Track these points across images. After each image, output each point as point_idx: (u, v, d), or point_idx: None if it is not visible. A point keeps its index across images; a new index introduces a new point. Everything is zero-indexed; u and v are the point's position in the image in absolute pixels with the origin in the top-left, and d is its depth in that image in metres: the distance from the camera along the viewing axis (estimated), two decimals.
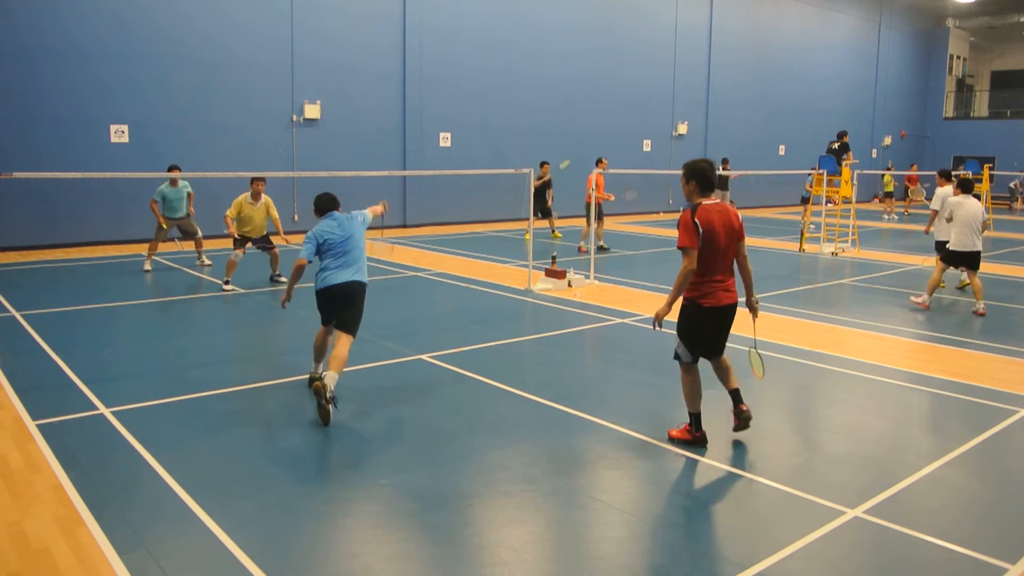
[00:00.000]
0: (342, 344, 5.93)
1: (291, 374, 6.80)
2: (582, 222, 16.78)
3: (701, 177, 5.10)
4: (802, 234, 16.08)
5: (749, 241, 19.15)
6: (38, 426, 5.48)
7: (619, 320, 9.23)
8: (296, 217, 17.38)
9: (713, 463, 5.02)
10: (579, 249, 15.11)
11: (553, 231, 17.46)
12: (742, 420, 5.31)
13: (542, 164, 16.74)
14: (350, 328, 6.07)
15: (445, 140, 19.61)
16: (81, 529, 4.04)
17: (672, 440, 5.32)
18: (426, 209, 19.60)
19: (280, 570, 3.69)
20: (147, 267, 12.20)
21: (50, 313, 9.09)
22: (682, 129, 25.31)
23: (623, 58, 23.21)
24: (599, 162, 15.28)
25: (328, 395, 5.45)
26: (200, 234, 12.60)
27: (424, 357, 7.32)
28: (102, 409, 5.83)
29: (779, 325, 9.01)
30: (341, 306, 6.07)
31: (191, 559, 3.81)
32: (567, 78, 21.80)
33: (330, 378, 5.57)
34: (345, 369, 6.93)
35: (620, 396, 6.46)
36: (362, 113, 18.13)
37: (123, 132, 14.99)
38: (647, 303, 10.19)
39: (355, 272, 6.10)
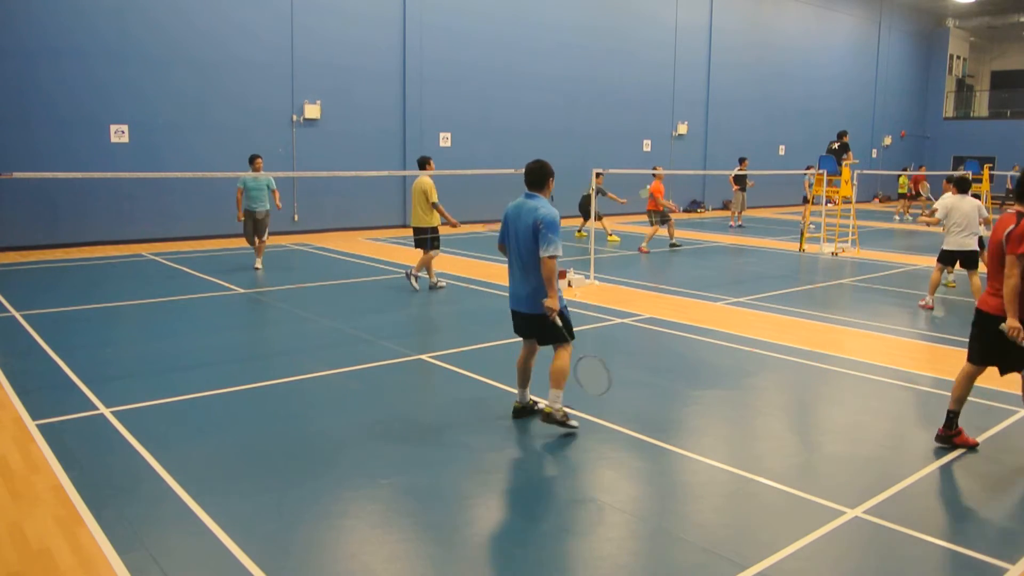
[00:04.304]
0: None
1: (290, 374, 6.80)
2: (584, 222, 17.43)
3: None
4: (802, 234, 16.08)
5: (748, 241, 19.03)
6: (38, 426, 5.48)
7: (619, 320, 9.22)
8: (296, 217, 17.39)
9: (713, 463, 5.02)
10: (640, 250, 15.42)
11: (579, 230, 17.84)
12: None
13: (597, 174, 16.40)
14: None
15: (445, 140, 19.61)
16: (81, 529, 4.04)
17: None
18: None
19: (280, 570, 3.69)
20: (258, 265, 12.43)
21: (50, 313, 9.09)
22: (682, 129, 25.31)
23: (623, 58, 23.21)
24: (655, 171, 16.00)
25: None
26: (266, 237, 12.49)
27: (424, 357, 7.31)
28: (102, 409, 5.83)
29: (779, 325, 9.01)
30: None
31: (191, 559, 3.81)
32: (567, 78, 21.81)
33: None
34: (345, 369, 6.96)
35: (620, 396, 6.45)
36: (362, 113, 18.14)
37: (123, 132, 14.99)
38: (647, 303, 10.19)
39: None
